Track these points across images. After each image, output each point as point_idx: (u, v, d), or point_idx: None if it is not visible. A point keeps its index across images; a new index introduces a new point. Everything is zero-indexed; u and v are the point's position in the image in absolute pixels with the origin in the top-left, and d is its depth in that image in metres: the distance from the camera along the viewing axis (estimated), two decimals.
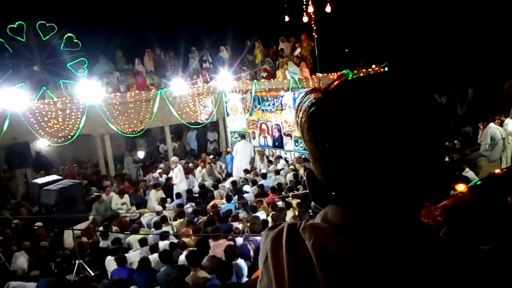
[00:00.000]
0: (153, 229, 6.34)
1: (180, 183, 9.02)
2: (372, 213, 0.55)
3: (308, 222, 0.62)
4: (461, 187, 2.03)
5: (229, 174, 10.18)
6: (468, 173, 5.81)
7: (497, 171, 2.15)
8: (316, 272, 0.54)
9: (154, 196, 8.48)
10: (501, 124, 7.09)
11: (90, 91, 9.71)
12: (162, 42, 12.10)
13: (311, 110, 0.58)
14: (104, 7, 12.41)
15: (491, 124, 7.06)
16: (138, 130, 10.49)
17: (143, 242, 5.57)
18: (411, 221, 0.56)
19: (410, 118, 0.52)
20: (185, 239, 5.59)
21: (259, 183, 8.23)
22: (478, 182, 2.16)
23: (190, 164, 10.66)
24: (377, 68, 11.55)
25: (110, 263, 5.07)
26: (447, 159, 6.82)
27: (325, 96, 0.58)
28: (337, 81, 0.58)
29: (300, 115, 0.60)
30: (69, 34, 10.61)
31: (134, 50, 12.02)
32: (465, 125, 9.15)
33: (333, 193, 0.58)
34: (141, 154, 12.29)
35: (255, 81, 11.22)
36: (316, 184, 0.60)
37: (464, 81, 11.56)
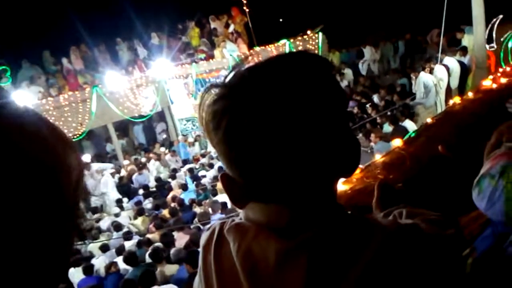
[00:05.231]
0: (114, 233, 6.16)
1: (111, 192, 8.35)
2: (292, 203, 0.53)
3: (233, 223, 0.58)
4: (397, 142, 2.13)
5: (185, 162, 10.03)
6: (407, 122, 6.14)
7: (429, 120, 2.30)
8: (241, 280, 0.52)
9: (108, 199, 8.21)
10: (431, 72, 7.50)
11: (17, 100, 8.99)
12: (90, 36, 11.37)
13: (215, 109, 0.52)
14: (20, 8, 11.39)
15: (422, 73, 7.44)
16: (80, 133, 9.97)
17: (104, 248, 5.41)
18: (329, 204, 0.56)
19: (313, 98, 0.51)
20: (150, 236, 5.50)
21: (218, 165, 8.15)
22: (412, 134, 2.28)
23: (143, 159, 10.37)
24: (311, 34, 11.71)
25: (74, 275, 4.88)
26: (389, 113, 7.21)
27: (226, 91, 0.53)
28: (232, 72, 0.54)
29: (204, 116, 0.54)
30: None
31: (62, 49, 11.24)
32: (400, 77, 9.58)
33: (253, 191, 0.54)
34: (87, 158, 11.70)
35: (194, 64, 10.98)
36: (233, 186, 0.55)
37: (393, 35, 12.03)
